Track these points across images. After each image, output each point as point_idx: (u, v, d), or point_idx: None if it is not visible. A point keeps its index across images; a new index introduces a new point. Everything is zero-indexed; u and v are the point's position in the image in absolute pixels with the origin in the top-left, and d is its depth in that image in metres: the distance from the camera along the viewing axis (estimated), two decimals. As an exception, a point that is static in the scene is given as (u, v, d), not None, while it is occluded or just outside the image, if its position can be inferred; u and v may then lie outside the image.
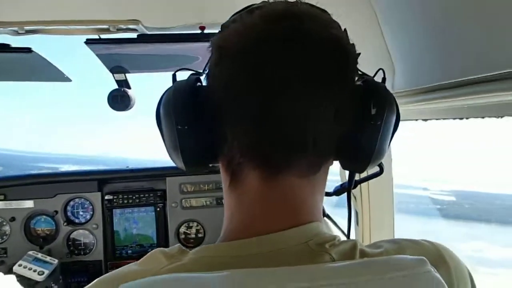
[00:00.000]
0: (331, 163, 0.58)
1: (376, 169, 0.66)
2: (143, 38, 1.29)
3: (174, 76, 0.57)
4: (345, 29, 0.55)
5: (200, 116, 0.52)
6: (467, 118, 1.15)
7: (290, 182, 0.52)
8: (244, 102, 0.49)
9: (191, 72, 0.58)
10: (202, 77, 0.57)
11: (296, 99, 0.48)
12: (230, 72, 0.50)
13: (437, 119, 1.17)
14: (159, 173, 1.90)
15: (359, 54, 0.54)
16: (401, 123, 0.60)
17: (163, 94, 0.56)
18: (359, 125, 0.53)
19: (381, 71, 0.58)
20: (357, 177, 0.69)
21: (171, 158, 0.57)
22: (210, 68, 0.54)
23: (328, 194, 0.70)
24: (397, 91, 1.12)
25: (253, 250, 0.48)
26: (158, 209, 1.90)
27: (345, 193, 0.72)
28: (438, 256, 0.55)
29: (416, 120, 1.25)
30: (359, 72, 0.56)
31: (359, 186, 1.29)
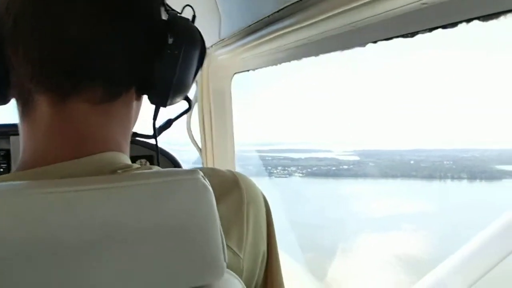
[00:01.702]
0: (136, 96, 0.57)
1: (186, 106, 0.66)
2: None
3: None
4: None
5: None
6: (316, 55, 1.01)
7: (81, 109, 0.51)
8: (26, 25, 0.48)
9: None
10: None
11: (83, 22, 0.49)
12: None
13: (273, 64, 1.08)
14: (2, 131, 1.64)
15: None
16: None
17: None
18: (157, 54, 0.54)
19: (188, 7, 0.60)
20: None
21: None
22: None
23: (143, 136, 0.68)
24: (223, 38, 1.13)
25: (44, 178, 0.48)
26: (1, 170, 1.68)
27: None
28: (233, 181, 0.60)
29: (254, 69, 1.24)
30: (166, 8, 0.57)
31: (204, 139, 1.18)
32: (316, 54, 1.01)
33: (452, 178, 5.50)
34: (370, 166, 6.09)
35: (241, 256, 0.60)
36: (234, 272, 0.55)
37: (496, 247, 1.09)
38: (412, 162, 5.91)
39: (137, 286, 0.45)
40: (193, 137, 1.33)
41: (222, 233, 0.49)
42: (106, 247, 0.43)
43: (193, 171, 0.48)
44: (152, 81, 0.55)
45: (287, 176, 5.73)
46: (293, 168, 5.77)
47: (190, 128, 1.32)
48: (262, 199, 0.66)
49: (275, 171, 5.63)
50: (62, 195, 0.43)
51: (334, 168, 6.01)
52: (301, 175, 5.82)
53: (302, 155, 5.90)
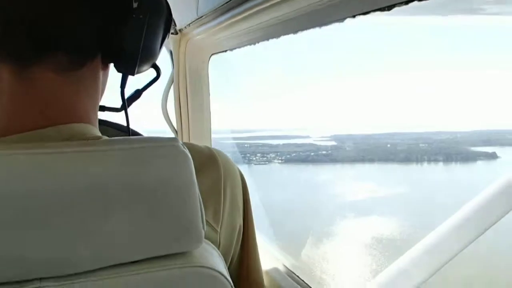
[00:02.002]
0: (102, 65, 0.56)
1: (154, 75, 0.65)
2: None
3: None
4: None
5: None
6: (294, 33, 1.00)
7: (45, 77, 0.50)
8: None
9: None
10: None
11: None
12: None
13: (251, 43, 1.06)
14: None
15: None
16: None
17: None
18: (122, 20, 0.52)
19: None
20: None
21: None
22: None
23: (111, 109, 0.67)
24: (200, 15, 1.11)
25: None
26: None
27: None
28: (211, 156, 0.62)
29: (231, 49, 1.16)
30: None
31: (180, 120, 1.17)
32: (295, 32, 1.00)
33: (429, 160, 5.59)
34: (347, 150, 6.15)
35: (218, 229, 0.61)
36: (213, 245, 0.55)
37: (470, 227, 1.12)
38: (388, 145, 6.00)
39: (116, 247, 0.45)
40: (169, 118, 1.31)
41: (201, 201, 0.49)
42: (87, 208, 0.43)
43: (173, 139, 0.48)
44: (118, 48, 0.54)
45: (266, 163, 5.74)
46: (272, 155, 5.78)
47: (166, 109, 1.30)
48: (239, 175, 0.67)
49: (254, 158, 5.62)
50: (46, 156, 0.43)
51: (312, 153, 6.04)
52: (280, 161, 5.83)
53: (281, 142, 5.91)
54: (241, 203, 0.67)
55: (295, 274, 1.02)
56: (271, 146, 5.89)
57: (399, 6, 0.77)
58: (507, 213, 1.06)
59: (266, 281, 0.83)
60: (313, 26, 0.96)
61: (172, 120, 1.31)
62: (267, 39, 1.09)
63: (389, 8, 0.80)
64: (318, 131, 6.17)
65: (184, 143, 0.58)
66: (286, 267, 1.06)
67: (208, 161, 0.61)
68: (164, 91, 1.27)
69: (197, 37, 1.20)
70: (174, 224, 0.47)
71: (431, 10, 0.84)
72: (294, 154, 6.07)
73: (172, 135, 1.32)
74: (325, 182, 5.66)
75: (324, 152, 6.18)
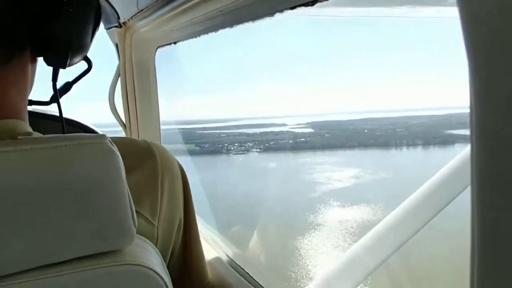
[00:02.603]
0: (31, 59, 0.55)
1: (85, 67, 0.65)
2: None
3: None
4: None
5: None
6: (231, 27, 1.00)
7: None
8: None
9: None
10: None
11: None
12: None
13: (193, 37, 1.05)
14: None
15: None
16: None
17: None
18: (51, 13, 0.51)
19: None
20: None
21: None
22: None
23: (40, 103, 0.66)
24: (141, 9, 1.09)
25: None
26: None
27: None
28: (147, 151, 0.61)
29: (175, 42, 1.20)
30: None
31: (128, 114, 1.16)
32: (231, 25, 1.00)
33: (408, 145, 5.63)
34: (326, 137, 6.15)
35: (155, 224, 0.60)
36: (149, 239, 0.55)
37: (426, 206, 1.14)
38: (366, 131, 6.01)
39: (42, 249, 0.44)
40: (117, 112, 1.30)
41: (131, 198, 0.48)
42: (8, 210, 0.42)
43: (100, 136, 0.47)
44: (48, 42, 0.53)
45: (245, 152, 5.72)
46: (250, 144, 5.77)
47: (113, 103, 1.29)
48: (178, 168, 0.66)
49: (232, 148, 5.61)
50: None
51: (291, 141, 6.03)
52: (259, 150, 5.82)
53: (257, 130, 5.90)
54: (181, 196, 0.66)
55: (237, 264, 1.04)
56: (248, 135, 5.88)
57: (320, 1, 0.78)
58: (460, 192, 1.09)
59: (210, 272, 0.84)
60: (246, 21, 0.96)
61: (120, 114, 1.30)
62: (207, 33, 1.09)
63: (312, 3, 0.80)
64: (293, 119, 6.14)
65: (121, 137, 0.57)
66: (229, 257, 1.08)
67: (144, 155, 0.60)
68: (111, 84, 1.26)
69: (141, 30, 1.19)
70: (102, 223, 0.46)
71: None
72: (272, 142, 6.04)
73: (120, 129, 1.31)
74: (306, 169, 5.61)
75: (302, 139, 6.16)
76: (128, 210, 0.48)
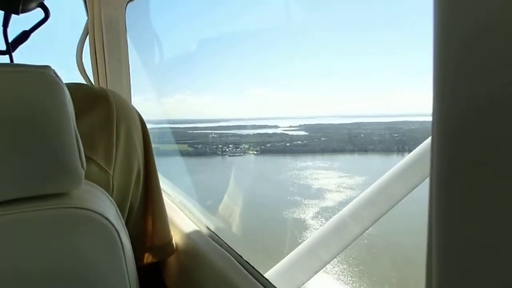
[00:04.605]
0: None
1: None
2: None
3: None
4: None
5: None
6: None
7: None
8: None
9: None
10: None
11: None
12: None
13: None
14: None
15: None
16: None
17: None
18: None
19: None
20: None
21: None
22: None
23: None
24: None
25: None
26: None
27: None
28: (102, 96, 0.59)
29: None
30: None
31: (96, 74, 1.10)
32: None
33: (410, 150, 5.54)
34: (323, 141, 6.05)
35: (110, 172, 0.57)
36: (103, 188, 0.52)
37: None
38: (362, 135, 5.92)
39: None
40: (85, 72, 1.24)
41: (79, 138, 0.45)
42: None
43: (44, 66, 0.44)
44: None
45: (242, 154, 5.65)
46: (245, 146, 5.70)
47: (81, 62, 1.23)
48: (137, 117, 0.64)
49: (227, 149, 5.54)
50: None
51: (288, 144, 5.95)
52: (255, 152, 5.75)
53: (250, 132, 5.85)
54: (140, 147, 0.64)
55: (217, 236, 1.00)
56: (241, 136, 5.83)
57: None
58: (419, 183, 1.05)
59: (186, 242, 0.78)
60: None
61: (88, 75, 1.24)
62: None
63: None
64: (284, 121, 6.07)
65: (76, 83, 0.56)
66: (209, 229, 1.03)
67: (98, 99, 0.58)
68: (79, 42, 1.20)
69: (109, -17, 1.14)
70: (47, 162, 0.43)
71: None
72: (268, 144, 5.96)
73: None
74: (313, 174, 5.44)
75: (299, 142, 6.07)
76: (75, 149, 0.44)
